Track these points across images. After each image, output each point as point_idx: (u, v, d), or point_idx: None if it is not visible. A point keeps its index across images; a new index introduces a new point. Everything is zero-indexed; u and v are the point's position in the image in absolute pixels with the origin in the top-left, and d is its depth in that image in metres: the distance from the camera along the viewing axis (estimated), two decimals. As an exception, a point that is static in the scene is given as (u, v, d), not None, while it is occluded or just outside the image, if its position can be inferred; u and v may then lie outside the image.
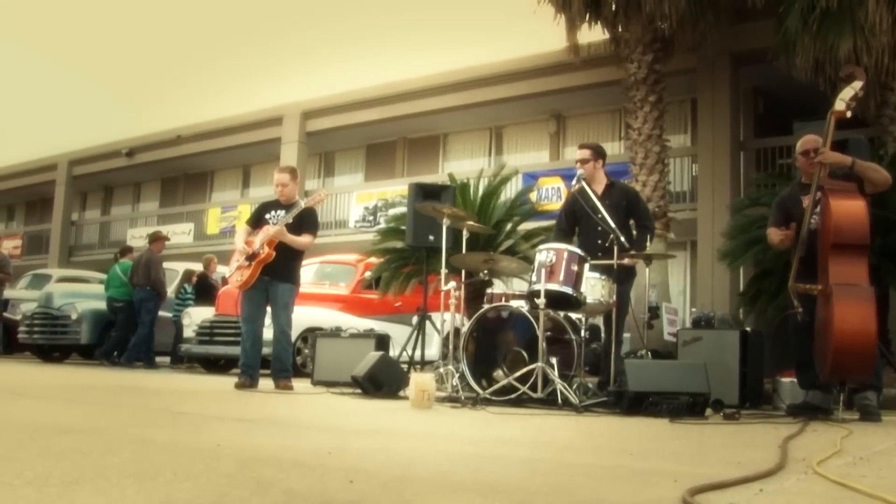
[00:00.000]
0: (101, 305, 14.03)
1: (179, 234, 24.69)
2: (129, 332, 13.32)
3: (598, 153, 7.52)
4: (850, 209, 5.86)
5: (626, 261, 6.82)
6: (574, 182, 7.42)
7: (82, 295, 14.59)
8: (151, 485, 2.30)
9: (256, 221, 8.24)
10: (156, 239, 14.08)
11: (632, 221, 7.44)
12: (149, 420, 4.53)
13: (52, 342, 14.20)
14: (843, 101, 6.10)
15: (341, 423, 4.76)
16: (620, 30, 13.95)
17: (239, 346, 8.26)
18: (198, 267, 14.90)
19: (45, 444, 3.20)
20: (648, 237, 7.35)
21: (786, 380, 7.20)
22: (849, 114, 6.12)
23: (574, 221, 7.56)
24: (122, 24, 67.01)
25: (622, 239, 6.78)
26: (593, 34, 14.47)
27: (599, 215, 6.97)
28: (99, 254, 27.55)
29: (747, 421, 5.65)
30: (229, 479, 2.46)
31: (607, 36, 14.32)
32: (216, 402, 6.37)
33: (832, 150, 6.04)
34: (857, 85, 6.14)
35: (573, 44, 14.29)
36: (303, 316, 9.83)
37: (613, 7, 13.67)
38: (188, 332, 12.54)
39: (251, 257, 7.87)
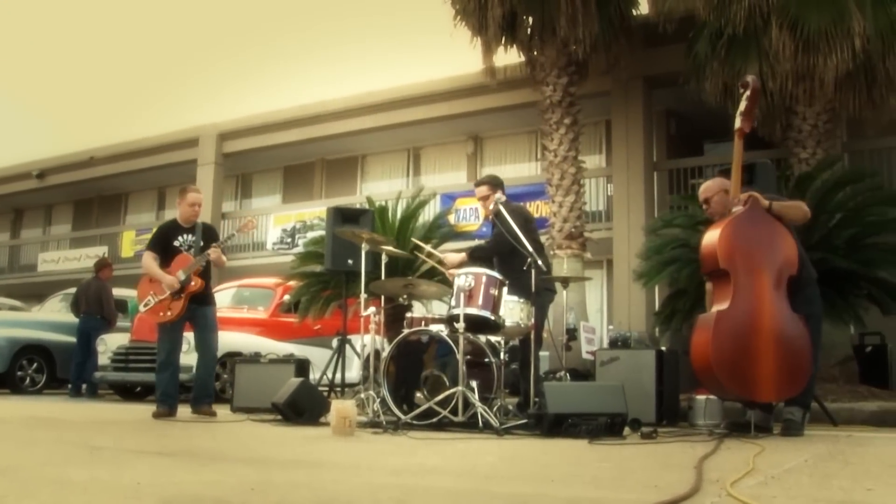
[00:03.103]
0: (11, 332, 13.66)
1: (93, 257, 23.98)
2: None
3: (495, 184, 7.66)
4: (706, 241, 6.16)
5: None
6: (491, 206, 7.48)
7: (-9, 322, 14.14)
8: (73, 530, 2.28)
9: (164, 248, 8.01)
10: (103, 266, 13.82)
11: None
12: (66, 457, 4.44)
13: (-41, 372, 13.72)
14: (739, 115, 6.24)
15: (264, 455, 4.73)
16: (536, 53, 14.17)
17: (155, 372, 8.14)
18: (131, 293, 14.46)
19: (-42, 487, 3.12)
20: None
21: (700, 397, 7.35)
22: (750, 127, 6.25)
23: None
24: (30, 43, 65.56)
25: (539, 262, 6.85)
26: (509, 57, 14.74)
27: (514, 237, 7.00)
28: (8, 278, 26.82)
29: (664, 440, 5.76)
30: (152, 522, 2.44)
31: (523, 59, 14.53)
32: (135, 433, 6.27)
33: (742, 174, 6.17)
34: (745, 94, 6.26)
35: (489, 66, 14.46)
36: (222, 340, 9.69)
37: (529, 31, 13.92)
38: (103, 359, 12.27)
39: (179, 291, 7.76)
